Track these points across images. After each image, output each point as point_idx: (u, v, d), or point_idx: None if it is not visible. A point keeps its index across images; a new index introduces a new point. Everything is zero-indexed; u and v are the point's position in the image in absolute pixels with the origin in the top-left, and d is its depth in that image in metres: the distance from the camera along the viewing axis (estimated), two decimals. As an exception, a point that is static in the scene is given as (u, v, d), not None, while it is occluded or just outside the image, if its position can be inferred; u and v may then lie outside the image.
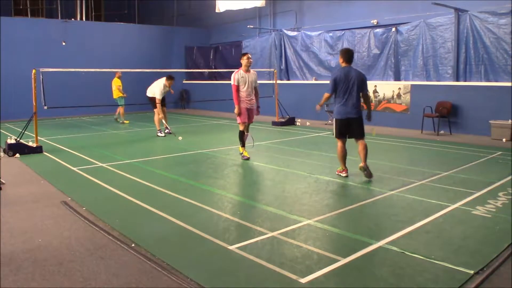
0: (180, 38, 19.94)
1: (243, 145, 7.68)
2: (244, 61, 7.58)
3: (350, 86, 6.07)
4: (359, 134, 6.22)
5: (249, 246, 3.73)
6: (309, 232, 4.12)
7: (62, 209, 4.86)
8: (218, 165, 7.27)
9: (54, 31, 16.30)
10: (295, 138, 10.46)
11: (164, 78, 11.02)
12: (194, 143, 9.78)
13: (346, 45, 14.00)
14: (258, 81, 7.83)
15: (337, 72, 6.19)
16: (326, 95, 6.20)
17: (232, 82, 7.50)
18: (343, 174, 6.30)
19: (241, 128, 7.64)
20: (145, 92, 11.30)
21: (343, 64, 6.20)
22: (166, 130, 10.99)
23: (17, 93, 14.64)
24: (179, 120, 15.05)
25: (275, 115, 13.42)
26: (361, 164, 6.16)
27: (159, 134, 10.89)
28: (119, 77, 13.89)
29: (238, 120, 7.59)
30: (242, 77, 7.51)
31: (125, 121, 14.04)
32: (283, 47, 16.31)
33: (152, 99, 11.02)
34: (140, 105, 16.28)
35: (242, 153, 7.69)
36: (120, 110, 14.04)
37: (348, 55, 6.17)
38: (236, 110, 7.52)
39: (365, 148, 6.17)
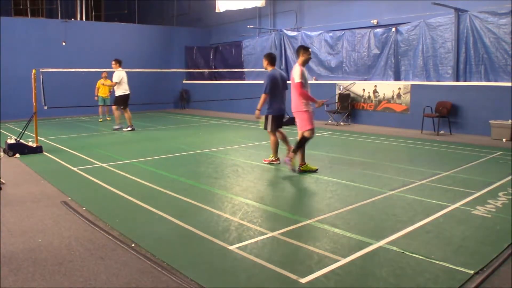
0: (180, 38, 19.95)
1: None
2: (306, 56, 6.32)
3: (281, 85, 6.92)
4: (281, 126, 7.19)
5: (249, 246, 3.73)
6: (309, 232, 4.12)
7: (62, 209, 4.86)
8: (218, 165, 7.27)
9: (54, 31, 16.29)
10: (295, 138, 10.44)
11: (121, 69, 11.53)
12: (194, 143, 9.77)
13: (346, 45, 14.02)
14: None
15: (272, 74, 6.85)
16: (265, 96, 6.83)
17: (297, 79, 6.21)
18: (276, 162, 7.16)
19: (310, 134, 6.52)
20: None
21: (270, 67, 6.96)
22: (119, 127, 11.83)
23: (17, 93, 14.64)
24: (179, 120, 15.05)
25: (275, 115, 13.41)
26: (272, 158, 7.21)
27: (128, 129, 11.70)
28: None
29: (309, 126, 6.46)
30: (304, 73, 6.37)
31: (108, 118, 14.69)
32: (283, 47, 16.31)
33: (125, 97, 11.59)
34: (140, 105, 16.36)
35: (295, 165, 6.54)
36: (101, 108, 14.65)
37: (272, 58, 7.00)
38: (317, 105, 6.49)
39: (285, 135, 7.21)
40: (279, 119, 7.04)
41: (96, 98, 14.27)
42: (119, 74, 11.51)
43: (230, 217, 4.54)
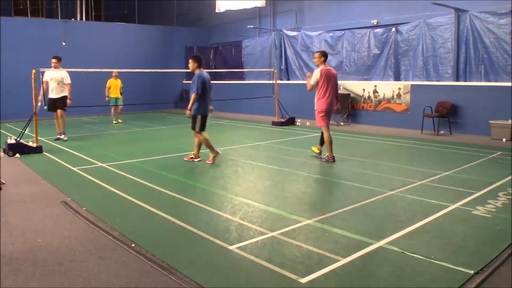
0: (180, 38, 19.94)
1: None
2: None
3: (208, 86, 7.16)
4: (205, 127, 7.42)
5: (249, 246, 3.73)
6: (309, 232, 4.12)
7: (62, 209, 4.86)
8: (218, 165, 7.27)
9: (54, 31, 16.29)
10: (295, 138, 10.46)
11: (63, 69, 9.93)
12: (194, 143, 9.75)
13: (346, 45, 14.02)
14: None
15: (202, 76, 7.06)
16: (195, 96, 6.99)
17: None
18: (197, 160, 7.41)
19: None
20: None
21: (198, 70, 7.14)
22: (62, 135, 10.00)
23: (17, 93, 14.63)
24: (179, 120, 15.05)
25: (275, 115, 13.42)
26: (195, 154, 7.49)
27: (65, 138, 9.99)
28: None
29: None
30: None
31: (119, 120, 14.12)
32: (283, 47, 16.31)
33: (65, 99, 9.89)
34: (140, 105, 16.36)
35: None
36: (114, 109, 14.08)
37: (201, 60, 7.23)
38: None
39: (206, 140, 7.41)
40: (206, 119, 7.28)
41: (107, 99, 13.70)
42: (67, 75, 10.00)
43: (230, 217, 4.54)
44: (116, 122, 13.99)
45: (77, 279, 3.17)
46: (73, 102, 11.69)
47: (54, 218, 4.56)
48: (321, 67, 7.32)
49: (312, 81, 7.32)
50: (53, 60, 9.88)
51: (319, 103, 7.34)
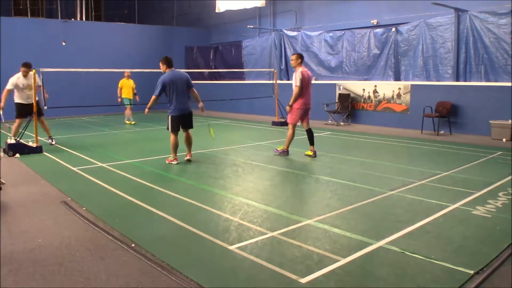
0: (180, 38, 19.94)
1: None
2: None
3: (179, 86, 7.06)
4: (190, 125, 7.42)
5: (249, 246, 3.73)
6: (309, 232, 4.12)
7: (62, 209, 4.86)
8: (218, 165, 7.27)
9: (54, 31, 16.29)
10: (295, 138, 10.43)
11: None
12: (194, 143, 9.75)
13: (346, 45, 14.01)
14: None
15: (164, 77, 7.01)
16: (154, 97, 7.05)
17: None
18: (174, 162, 7.27)
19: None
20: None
21: (167, 70, 7.13)
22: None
23: (17, 93, 14.62)
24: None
25: (275, 115, 13.42)
26: (187, 157, 7.43)
27: (52, 142, 9.41)
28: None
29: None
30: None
31: (132, 122, 13.87)
32: (283, 47, 16.31)
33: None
34: (140, 105, 16.35)
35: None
36: (127, 110, 13.85)
37: (168, 61, 7.17)
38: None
39: (190, 139, 7.46)
40: (180, 119, 7.23)
41: (119, 99, 13.44)
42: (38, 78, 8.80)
43: (230, 217, 4.54)
44: (129, 122, 13.74)
45: (77, 279, 3.17)
46: (73, 102, 11.69)
47: (54, 218, 4.56)
48: (300, 69, 7.53)
49: (298, 82, 7.46)
50: (23, 69, 8.75)
51: (299, 101, 7.59)
